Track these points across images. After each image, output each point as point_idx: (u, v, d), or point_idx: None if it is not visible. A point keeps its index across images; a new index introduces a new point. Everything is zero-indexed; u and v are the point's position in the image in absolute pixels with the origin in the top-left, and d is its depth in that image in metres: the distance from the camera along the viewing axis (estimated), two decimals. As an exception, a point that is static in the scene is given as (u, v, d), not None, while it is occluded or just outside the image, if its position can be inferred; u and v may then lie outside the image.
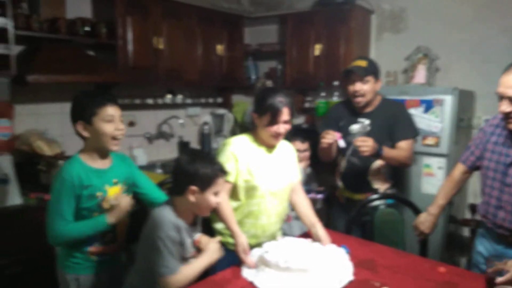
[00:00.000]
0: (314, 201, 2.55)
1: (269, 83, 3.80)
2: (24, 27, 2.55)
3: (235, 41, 3.96)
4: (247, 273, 1.64)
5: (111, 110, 1.67)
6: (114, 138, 1.68)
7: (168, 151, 3.82)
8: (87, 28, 2.87)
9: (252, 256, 1.72)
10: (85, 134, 1.66)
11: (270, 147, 1.92)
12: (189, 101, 3.86)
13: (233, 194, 1.87)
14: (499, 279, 1.52)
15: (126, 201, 1.72)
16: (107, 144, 1.68)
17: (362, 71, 2.29)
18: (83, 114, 1.65)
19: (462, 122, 2.96)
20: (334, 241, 1.85)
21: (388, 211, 2.29)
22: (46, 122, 2.90)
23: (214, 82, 3.91)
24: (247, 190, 1.85)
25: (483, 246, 1.95)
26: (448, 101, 2.81)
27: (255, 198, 1.86)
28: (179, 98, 3.73)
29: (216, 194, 1.53)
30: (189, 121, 4.00)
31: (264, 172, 1.86)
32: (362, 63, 2.32)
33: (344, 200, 2.50)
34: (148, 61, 3.22)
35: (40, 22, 2.63)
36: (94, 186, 1.67)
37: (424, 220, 2.10)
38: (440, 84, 3.21)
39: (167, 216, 1.47)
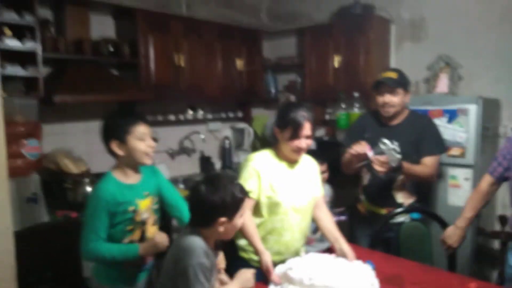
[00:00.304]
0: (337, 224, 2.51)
1: (292, 98, 3.80)
2: (52, 49, 2.65)
3: (254, 55, 4.00)
4: None
5: (143, 128, 1.74)
6: (147, 154, 1.75)
7: (190, 167, 3.86)
8: (110, 48, 2.95)
9: (277, 272, 1.70)
10: (120, 152, 1.72)
11: (292, 162, 1.91)
12: (209, 116, 3.90)
13: (256, 210, 1.86)
14: None
15: (162, 238, 1.75)
16: (141, 160, 1.75)
17: (392, 83, 2.27)
18: (117, 133, 1.72)
19: (488, 131, 2.88)
20: (359, 256, 1.82)
21: (414, 225, 2.24)
22: (72, 141, 2.98)
23: (234, 97, 3.95)
24: (270, 207, 1.85)
25: (515, 260, 1.89)
26: (473, 110, 2.75)
27: (278, 214, 1.85)
28: (200, 113, 3.78)
29: (241, 216, 1.51)
30: (210, 136, 4.03)
31: (286, 188, 1.85)
32: (393, 75, 2.30)
33: (367, 213, 2.45)
34: (170, 78, 3.27)
35: (66, 44, 2.72)
36: (127, 202, 1.73)
37: (452, 234, 2.06)
38: (463, 93, 3.15)
39: (198, 243, 1.43)
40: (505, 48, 3.00)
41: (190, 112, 3.72)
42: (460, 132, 2.80)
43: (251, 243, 1.78)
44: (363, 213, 2.48)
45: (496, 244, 3.05)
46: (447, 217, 2.23)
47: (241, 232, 1.80)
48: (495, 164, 2.00)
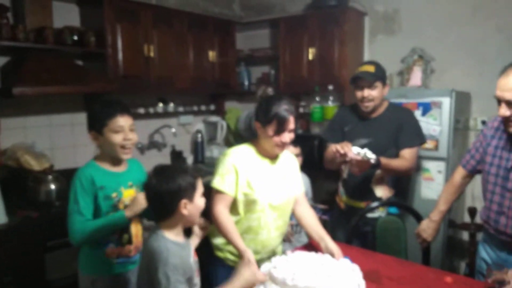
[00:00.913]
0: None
1: (270, 91, 3.74)
2: (9, 37, 2.47)
3: (227, 46, 3.90)
4: None
5: (121, 121, 1.74)
6: (123, 147, 1.76)
7: (160, 161, 3.71)
8: (75, 37, 2.79)
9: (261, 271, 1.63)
10: (96, 143, 1.78)
11: (272, 158, 1.85)
12: (181, 109, 3.78)
13: (232, 208, 1.79)
14: None
15: (142, 197, 1.71)
16: (117, 153, 1.77)
17: (370, 77, 2.24)
18: (94, 124, 1.76)
19: (459, 124, 2.93)
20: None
21: (389, 219, 2.24)
22: (34, 136, 2.81)
23: (206, 89, 3.85)
24: (246, 204, 1.78)
25: (486, 253, 1.92)
26: (446, 103, 2.77)
27: (254, 212, 1.79)
28: (171, 106, 3.66)
29: (201, 196, 1.50)
30: (181, 130, 3.92)
31: (264, 185, 1.79)
32: (370, 68, 2.28)
33: (345, 207, 2.43)
34: (139, 69, 3.14)
35: (25, 32, 2.54)
36: (109, 187, 1.74)
37: (426, 227, 2.07)
38: (435, 85, 3.18)
39: (163, 245, 1.40)
40: (476, 42, 3.05)
41: (160, 105, 3.59)
42: (433, 125, 2.82)
43: (231, 242, 1.71)
44: (341, 207, 2.47)
45: (465, 235, 3.11)
46: (421, 210, 2.25)
47: (220, 231, 1.73)
48: (468, 157, 2.02)
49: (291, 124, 1.74)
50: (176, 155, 3.78)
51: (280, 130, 1.72)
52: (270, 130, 1.73)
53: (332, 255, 1.72)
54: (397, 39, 3.39)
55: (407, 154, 2.26)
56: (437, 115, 2.80)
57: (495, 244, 1.85)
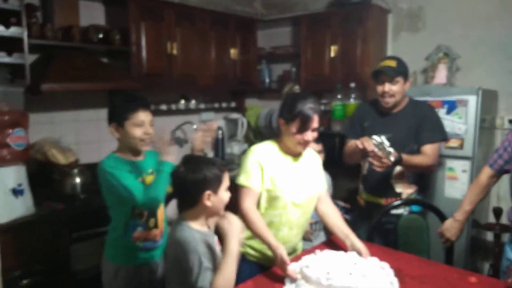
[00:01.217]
0: None
1: (297, 88, 3.74)
2: (38, 36, 2.54)
3: (248, 44, 3.92)
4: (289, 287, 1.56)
5: (142, 116, 1.80)
6: (142, 140, 1.82)
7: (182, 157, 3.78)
8: (100, 35, 2.86)
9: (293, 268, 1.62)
10: (116, 135, 1.82)
11: (295, 155, 1.85)
12: (202, 106, 3.82)
13: None
14: None
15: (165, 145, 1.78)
16: (136, 145, 1.83)
17: (392, 72, 2.22)
18: (116, 117, 1.81)
19: (485, 123, 2.85)
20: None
21: (412, 217, 2.21)
22: (61, 130, 2.89)
23: (228, 86, 3.88)
24: (269, 200, 1.79)
25: (513, 254, 1.87)
26: (472, 101, 2.71)
27: (277, 208, 1.79)
28: (193, 103, 3.70)
29: (226, 189, 1.52)
30: (202, 126, 3.95)
31: (287, 182, 1.79)
32: (392, 63, 2.25)
33: (366, 204, 2.41)
34: (162, 66, 3.19)
35: (54, 31, 2.62)
36: (133, 174, 1.78)
37: (450, 227, 2.04)
38: (460, 83, 3.11)
39: (188, 234, 1.43)
40: (503, 39, 2.96)
41: (182, 101, 3.64)
42: (459, 123, 2.76)
43: (261, 238, 1.70)
44: (362, 205, 2.44)
45: (489, 236, 3.04)
46: (444, 209, 2.21)
47: (249, 228, 1.72)
48: (496, 157, 1.97)
49: (315, 123, 1.73)
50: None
51: (303, 128, 1.72)
52: (294, 128, 1.73)
53: (359, 253, 1.70)
54: (421, 37, 3.33)
55: (429, 150, 2.22)
56: (462, 113, 2.74)
57: (523, 245, 1.81)
